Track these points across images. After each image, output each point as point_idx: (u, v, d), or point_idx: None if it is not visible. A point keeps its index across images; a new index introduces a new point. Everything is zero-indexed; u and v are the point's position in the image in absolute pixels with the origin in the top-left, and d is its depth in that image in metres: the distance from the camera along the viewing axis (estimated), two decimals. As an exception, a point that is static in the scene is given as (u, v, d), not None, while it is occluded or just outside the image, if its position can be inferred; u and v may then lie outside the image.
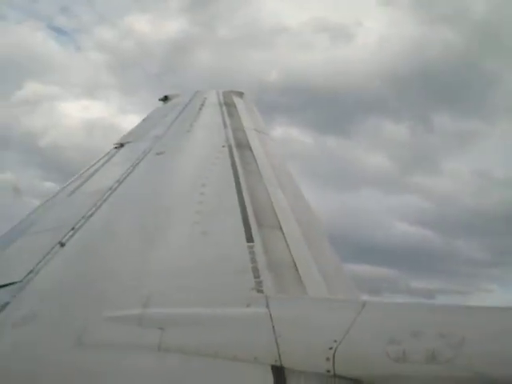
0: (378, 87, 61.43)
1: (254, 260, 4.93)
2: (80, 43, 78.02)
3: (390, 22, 63.54)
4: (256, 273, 4.70)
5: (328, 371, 3.18)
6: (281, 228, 5.83)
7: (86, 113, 61.51)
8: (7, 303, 4.92)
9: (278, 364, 3.40)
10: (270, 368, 3.40)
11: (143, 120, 11.96)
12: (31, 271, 5.41)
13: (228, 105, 10.93)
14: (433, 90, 60.51)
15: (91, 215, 6.56)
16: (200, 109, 11.04)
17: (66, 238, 6.02)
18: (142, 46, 60.56)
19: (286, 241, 5.55)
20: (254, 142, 8.72)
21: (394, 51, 58.69)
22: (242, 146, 8.42)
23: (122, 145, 9.87)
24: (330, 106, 63.39)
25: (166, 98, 12.98)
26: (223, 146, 8.28)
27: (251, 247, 5.18)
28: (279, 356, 3.42)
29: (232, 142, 8.50)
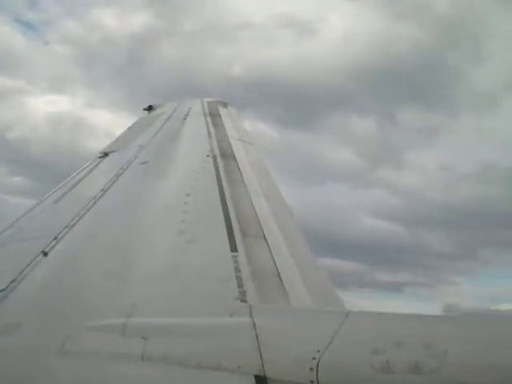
0: (343, 82, 62.01)
1: (237, 269, 4.94)
2: (46, 37, 77.75)
3: (355, 17, 63.96)
4: (240, 282, 4.70)
5: (311, 381, 3.18)
6: (265, 237, 5.83)
7: (53, 107, 61.13)
8: None
9: (261, 374, 3.40)
10: (253, 378, 3.40)
11: (127, 129, 11.92)
12: (14, 280, 5.38)
13: (213, 115, 10.92)
14: (398, 84, 61.11)
15: (74, 225, 6.53)
16: (184, 118, 11.02)
17: (49, 247, 5.99)
18: (107, 39, 60.51)
19: (269, 250, 5.56)
20: (239, 152, 8.72)
21: (359, 46, 59.16)
22: (227, 155, 8.42)
23: (106, 154, 9.84)
24: (296, 101, 63.74)
25: (150, 108, 12.94)
26: (208, 156, 8.27)
27: (235, 257, 5.19)
28: (262, 366, 3.42)
29: (216, 151, 8.49)
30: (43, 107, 60.74)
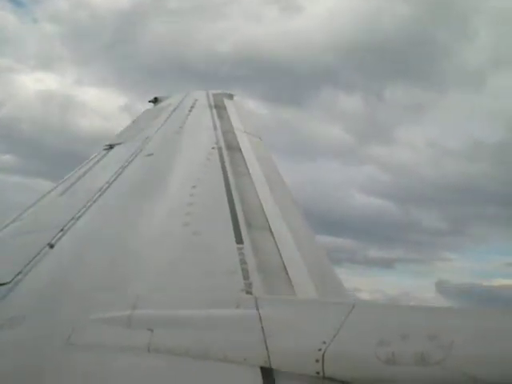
0: (330, 59, 62.14)
1: (243, 261, 4.94)
2: (35, 15, 78.15)
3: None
4: (246, 274, 4.70)
5: (317, 373, 3.18)
6: (270, 229, 5.83)
7: (42, 84, 61.47)
8: None
9: (267, 365, 3.40)
10: (259, 369, 3.40)
11: (133, 122, 11.93)
12: (20, 272, 5.39)
13: (218, 107, 10.92)
14: (385, 61, 61.18)
15: (80, 216, 6.54)
16: (190, 110, 11.02)
17: (55, 239, 6.00)
18: (95, 16, 60.68)
19: (275, 242, 5.56)
20: (244, 144, 8.73)
21: (345, 22, 59.27)
22: (232, 147, 8.43)
23: (111, 146, 9.85)
24: (284, 78, 63.98)
25: (156, 100, 12.95)
26: (213, 148, 8.28)
27: (241, 249, 5.19)
28: (268, 357, 3.42)
29: (222, 143, 8.50)
30: (32, 85, 61.24)
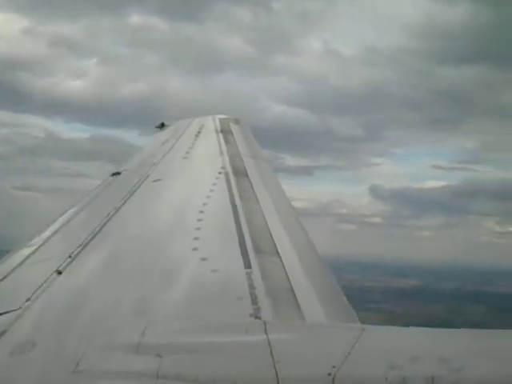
0: None
1: (251, 286, 4.94)
2: None
3: None
4: (254, 299, 4.71)
5: None
6: (278, 254, 5.84)
7: None
8: (4, 331, 4.89)
9: None
10: None
11: (141, 148, 11.98)
12: (28, 299, 5.39)
13: (225, 132, 10.96)
14: None
15: (88, 243, 6.55)
16: (197, 136, 11.08)
17: (63, 265, 6.01)
18: None
19: (283, 267, 5.56)
20: (251, 169, 8.76)
21: None
22: (239, 172, 8.46)
23: (118, 173, 9.89)
24: None
25: (162, 125, 13.01)
26: (220, 173, 8.32)
27: (249, 273, 5.20)
28: (278, 382, 3.40)
29: (229, 168, 8.53)
30: None
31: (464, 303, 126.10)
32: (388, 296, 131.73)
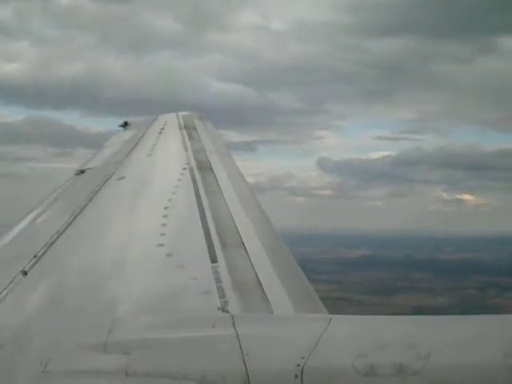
0: None
1: (218, 280, 4.95)
2: None
3: None
4: (221, 293, 4.72)
5: None
6: (244, 247, 5.85)
7: None
8: None
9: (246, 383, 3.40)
10: None
11: (103, 146, 11.90)
12: None
13: (188, 128, 10.93)
14: None
15: (53, 242, 6.49)
16: (160, 133, 11.04)
17: (29, 266, 5.95)
18: None
19: (249, 260, 5.58)
20: (216, 164, 8.77)
21: None
22: (204, 168, 8.46)
23: (82, 171, 9.81)
24: None
25: (125, 124, 12.93)
26: (184, 169, 8.31)
27: (215, 267, 5.20)
28: (247, 376, 3.42)
29: (193, 164, 8.53)
30: None
31: (412, 270, 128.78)
32: (338, 267, 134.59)
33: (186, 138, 10.16)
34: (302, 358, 3.29)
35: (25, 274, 5.82)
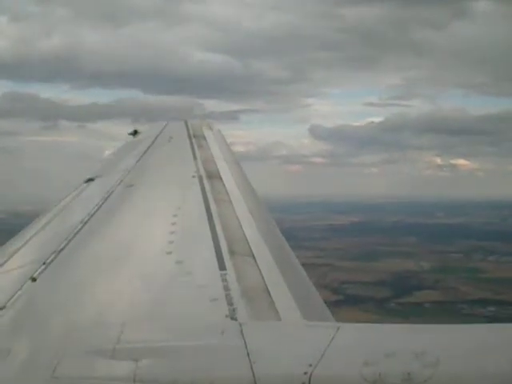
0: None
1: (227, 288, 4.95)
2: None
3: None
4: (229, 300, 4.71)
5: None
6: (253, 255, 5.85)
7: None
8: None
9: None
10: None
11: (113, 154, 11.97)
12: (3, 307, 5.35)
13: (197, 136, 10.98)
14: None
15: (62, 249, 6.52)
16: (169, 141, 11.10)
17: (38, 272, 5.98)
18: None
19: (258, 268, 5.58)
20: (224, 172, 8.79)
21: None
22: (213, 176, 8.49)
23: (91, 179, 9.86)
24: None
25: (135, 132, 13.00)
26: (193, 177, 8.34)
27: (224, 275, 5.21)
28: (255, 383, 3.42)
29: (202, 172, 8.57)
30: None
31: (399, 236, 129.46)
32: (327, 233, 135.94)
33: (195, 147, 10.21)
34: (310, 365, 3.29)
35: (34, 280, 5.85)
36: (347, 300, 76.02)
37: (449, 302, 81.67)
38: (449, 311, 76.10)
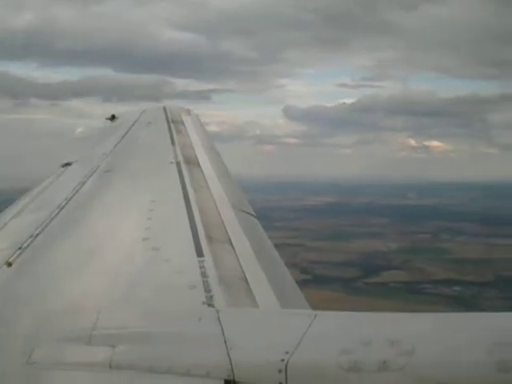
0: None
1: (204, 274, 4.95)
2: None
3: None
4: (207, 287, 4.72)
5: (280, 383, 3.22)
6: (230, 242, 5.86)
7: None
8: None
9: (230, 378, 3.41)
10: (222, 382, 3.41)
11: (90, 138, 11.88)
12: None
13: (176, 122, 10.94)
14: None
15: (39, 234, 6.47)
16: (147, 126, 11.05)
17: (14, 257, 5.93)
18: None
19: (236, 254, 5.58)
20: (202, 158, 8.78)
21: None
22: (191, 162, 8.47)
23: (69, 163, 9.78)
24: None
25: (113, 118, 12.91)
26: (171, 163, 8.31)
27: (201, 262, 5.21)
28: (232, 370, 3.43)
29: (180, 158, 8.54)
30: None
31: (370, 217, 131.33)
32: (300, 214, 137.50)
33: (174, 132, 10.17)
34: (287, 353, 3.31)
35: (9, 265, 5.80)
36: (315, 280, 76.28)
37: (415, 282, 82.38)
38: (414, 291, 77.22)
